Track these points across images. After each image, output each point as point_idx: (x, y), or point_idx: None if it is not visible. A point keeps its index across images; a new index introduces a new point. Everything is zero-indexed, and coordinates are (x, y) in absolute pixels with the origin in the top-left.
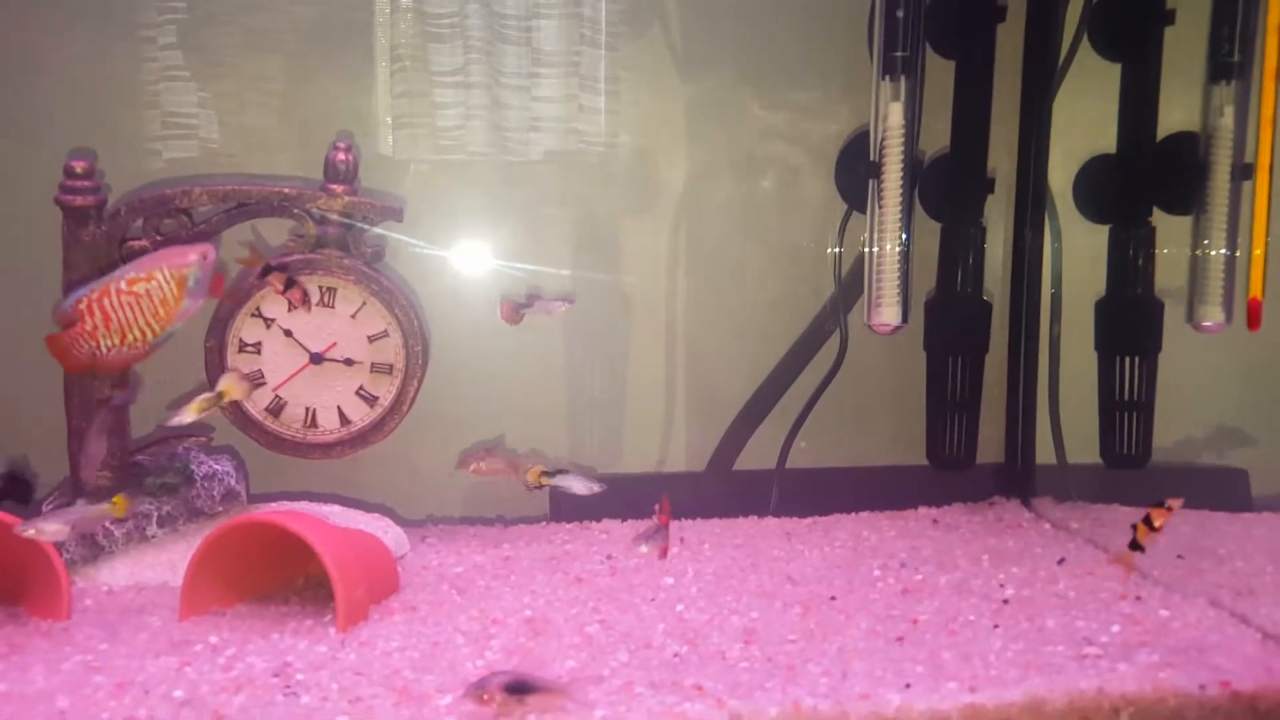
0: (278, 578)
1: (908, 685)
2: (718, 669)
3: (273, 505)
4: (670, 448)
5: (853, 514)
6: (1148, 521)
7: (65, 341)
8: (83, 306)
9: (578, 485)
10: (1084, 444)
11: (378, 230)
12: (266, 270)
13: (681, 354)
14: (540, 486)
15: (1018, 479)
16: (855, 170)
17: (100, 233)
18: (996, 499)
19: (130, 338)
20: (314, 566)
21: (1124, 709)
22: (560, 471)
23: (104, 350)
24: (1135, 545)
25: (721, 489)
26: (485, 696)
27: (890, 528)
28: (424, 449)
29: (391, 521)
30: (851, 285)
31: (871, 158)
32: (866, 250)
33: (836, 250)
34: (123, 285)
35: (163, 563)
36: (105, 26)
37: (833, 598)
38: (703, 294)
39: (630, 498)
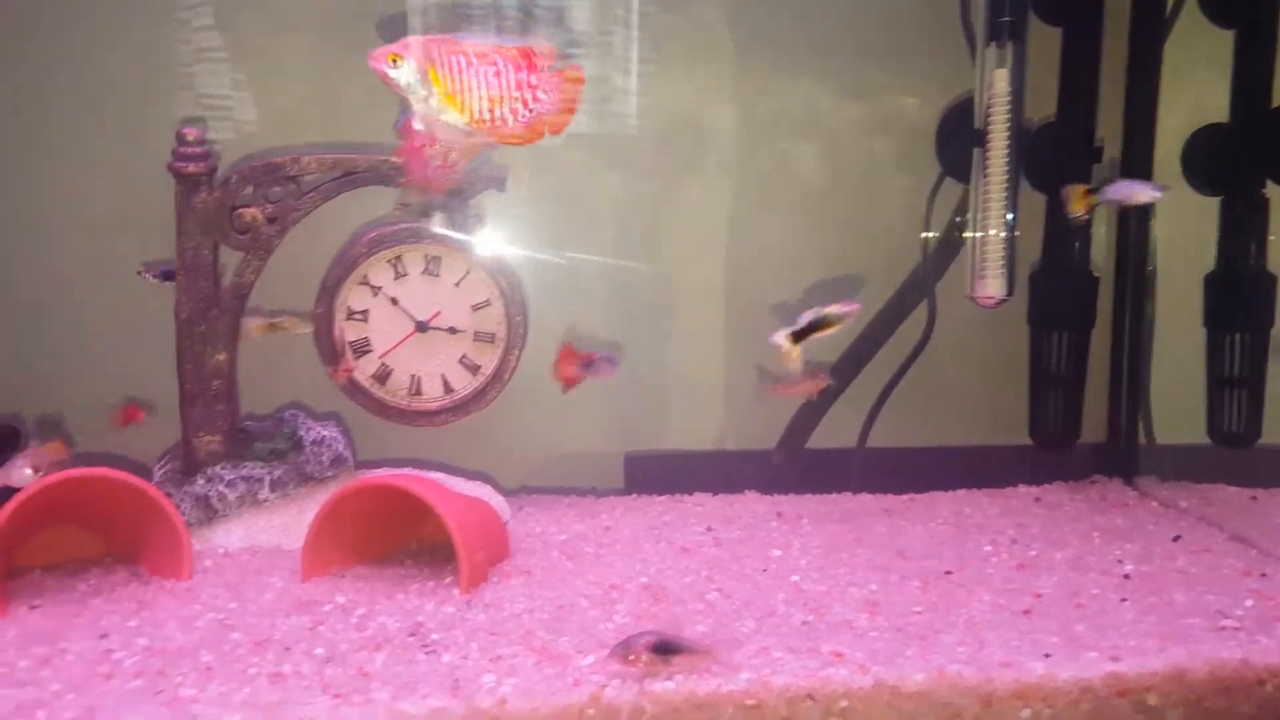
0: (392, 541)
1: (1047, 655)
2: (849, 637)
3: (380, 470)
4: (739, 425)
5: (950, 491)
6: None
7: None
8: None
9: (1141, 194)
10: (1187, 423)
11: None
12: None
13: (750, 329)
14: (1090, 211)
15: (1119, 457)
16: (957, 138)
17: (212, 199)
18: (1097, 478)
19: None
20: (427, 530)
21: (1269, 680)
22: (1103, 185)
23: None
24: None
25: (794, 466)
26: (631, 656)
27: (991, 505)
28: (503, 419)
29: (493, 489)
30: (940, 256)
31: (976, 125)
32: (970, 221)
33: (926, 219)
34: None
35: (275, 526)
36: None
37: (948, 572)
38: (776, 269)
39: (705, 473)
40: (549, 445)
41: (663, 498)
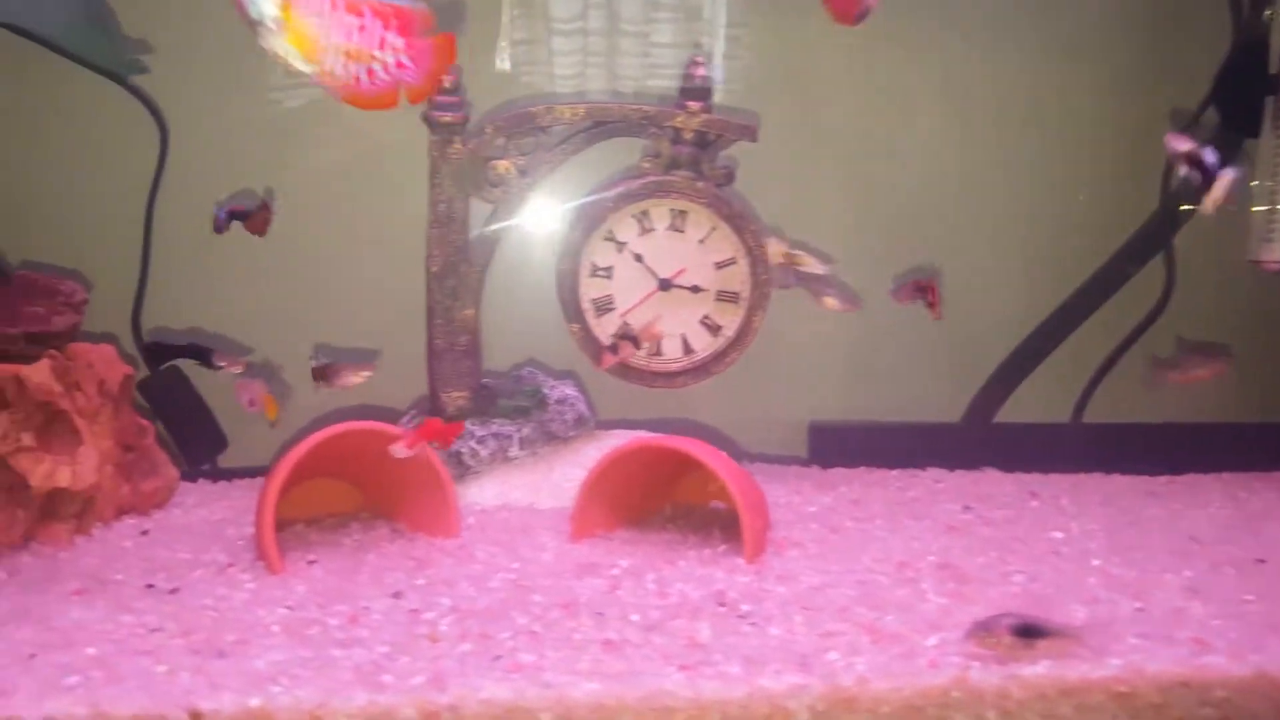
0: (649, 503)
1: None
2: (1194, 624)
3: (617, 432)
4: (924, 396)
5: (1212, 474)
6: None
7: None
8: None
9: None
10: None
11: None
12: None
13: (948, 298)
14: None
15: None
16: (1239, 84)
17: (466, 150)
18: None
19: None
20: (681, 493)
21: None
22: None
23: None
24: None
25: (983, 441)
26: (991, 639)
27: (1266, 489)
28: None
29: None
30: (1180, 209)
31: (1273, 70)
32: (1259, 176)
33: (1165, 175)
34: None
35: (526, 484)
36: None
37: (1261, 560)
38: (975, 230)
39: (892, 446)
40: (733, 410)
41: (896, 472)
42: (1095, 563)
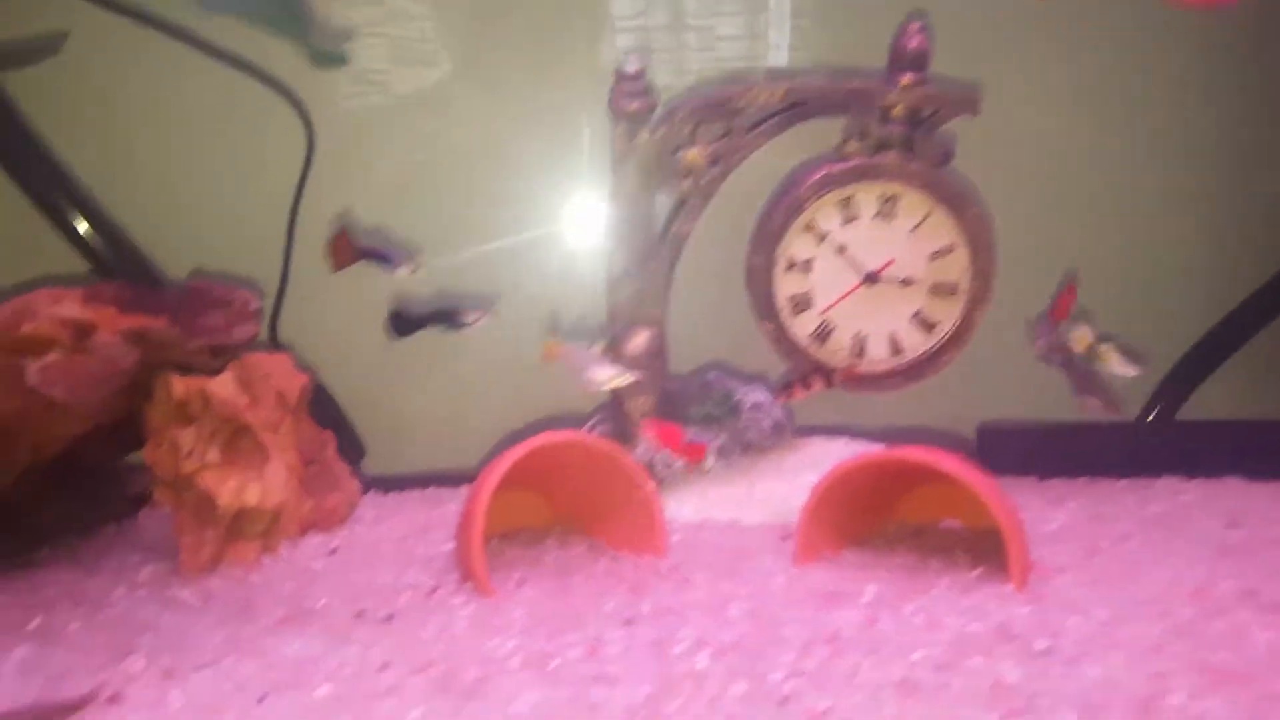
0: (872, 523)
1: None
2: None
3: (816, 439)
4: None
5: None
6: None
7: None
8: None
9: None
10: None
11: None
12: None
13: (1113, 277)
14: None
15: None
16: None
17: (653, 140)
18: None
19: None
20: (906, 510)
21: None
22: None
23: None
24: None
25: (1163, 443)
26: None
27: None
28: None
29: None
30: None
31: None
32: None
33: None
34: None
35: (726, 498)
36: None
37: None
38: (1136, 212)
39: (1076, 449)
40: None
41: (1124, 482)
42: None
